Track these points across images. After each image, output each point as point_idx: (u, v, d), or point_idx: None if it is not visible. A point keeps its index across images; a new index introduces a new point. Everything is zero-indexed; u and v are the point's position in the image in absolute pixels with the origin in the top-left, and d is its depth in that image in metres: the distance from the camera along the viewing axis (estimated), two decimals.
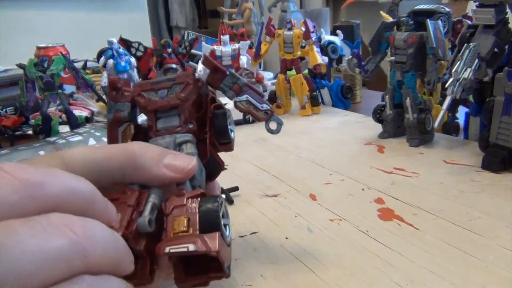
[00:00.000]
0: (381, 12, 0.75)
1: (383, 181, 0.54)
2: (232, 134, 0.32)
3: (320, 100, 0.93)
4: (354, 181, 0.55)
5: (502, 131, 0.54)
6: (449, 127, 0.73)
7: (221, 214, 0.24)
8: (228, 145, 0.32)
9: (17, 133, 0.89)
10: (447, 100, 0.56)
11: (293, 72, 0.92)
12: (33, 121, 0.86)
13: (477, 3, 0.55)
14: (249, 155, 0.67)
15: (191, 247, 0.22)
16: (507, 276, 0.34)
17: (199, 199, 0.25)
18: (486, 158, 0.55)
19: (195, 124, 0.30)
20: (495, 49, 0.55)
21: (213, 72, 0.32)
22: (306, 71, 0.97)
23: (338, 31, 1.00)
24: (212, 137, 0.31)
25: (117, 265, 0.19)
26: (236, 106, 0.33)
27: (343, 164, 0.61)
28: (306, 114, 0.90)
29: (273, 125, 0.34)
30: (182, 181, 0.25)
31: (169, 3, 3.56)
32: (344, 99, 0.97)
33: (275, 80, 0.96)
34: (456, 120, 0.74)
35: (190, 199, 0.25)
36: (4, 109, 0.94)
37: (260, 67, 1.25)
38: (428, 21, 0.62)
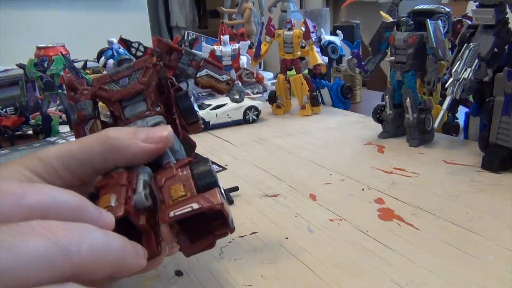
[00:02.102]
0: (381, 12, 0.75)
1: (383, 181, 0.54)
2: (198, 113, 0.32)
3: (320, 100, 0.93)
4: (354, 181, 0.55)
5: (502, 131, 0.54)
6: (449, 127, 0.73)
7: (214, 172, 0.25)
8: (196, 124, 0.33)
9: (17, 133, 0.89)
10: (447, 100, 0.56)
11: (293, 72, 0.92)
12: (33, 121, 0.86)
13: (477, 3, 0.55)
14: (249, 155, 0.67)
15: (195, 206, 0.23)
16: (507, 276, 0.34)
17: (187, 166, 0.25)
18: (486, 158, 0.55)
19: (162, 106, 0.30)
20: (495, 49, 0.54)
21: (168, 52, 0.32)
22: (306, 71, 0.97)
23: (338, 31, 1.00)
24: (180, 119, 0.31)
25: (117, 265, 0.19)
26: (197, 82, 0.33)
27: (343, 164, 0.61)
28: (306, 114, 0.90)
29: (236, 94, 0.35)
30: (163, 149, 0.25)
31: (169, 3, 3.56)
32: (344, 99, 0.96)
33: (275, 80, 0.96)
34: (456, 120, 0.74)
35: (179, 169, 0.25)
36: (4, 109, 0.94)
37: (260, 67, 1.26)
38: (428, 21, 0.62)
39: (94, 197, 0.24)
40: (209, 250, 0.40)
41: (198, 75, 0.33)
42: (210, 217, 0.24)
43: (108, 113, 0.31)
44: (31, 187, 0.19)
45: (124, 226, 0.22)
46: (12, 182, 0.18)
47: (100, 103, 0.31)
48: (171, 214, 0.23)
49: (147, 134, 0.25)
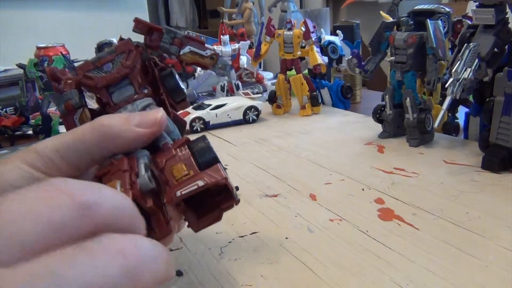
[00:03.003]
0: (381, 12, 0.75)
1: (383, 181, 0.54)
2: (184, 91, 0.32)
3: (320, 100, 0.93)
4: (354, 181, 0.55)
5: (502, 131, 0.54)
6: (449, 127, 0.73)
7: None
8: (184, 102, 0.33)
9: (17, 133, 0.89)
10: (447, 100, 0.56)
11: (293, 72, 0.92)
12: (33, 121, 0.86)
13: (477, 3, 0.55)
14: (249, 155, 0.67)
15: (200, 183, 0.23)
16: (507, 276, 0.34)
17: (185, 145, 0.25)
18: (486, 158, 0.55)
19: (149, 88, 0.30)
20: (495, 49, 0.54)
21: (149, 33, 0.32)
22: (306, 71, 0.97)
23: (338, 31, 1.00)
24: (168, 98, 0.31)
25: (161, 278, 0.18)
26: (181, 59, 0.33)
27: (343, 164, 0.61)
28: (306, 114, 0.90)
29: (221, 68, 0.35)
30: (158, 132, 0.25)
31: (169, 3, 3.55)
32: (344, 99, 0.96)
33: (275, 80, 0.96)
34: (456, 120, 0.74)
35: (178, 149, 0.25)
36: (4, 109, 0.94)
37: (260, 67, 1.26)
38: (428, 21, 0.62)
39: None
40: (209, 250, 0.40)
41: (181, 53, 0.33)
42: (214, 192, 0.25)
43: (94, 99, 0.30)
44: (101, 192, 0.18)
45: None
46: (84, 185, 0.18)
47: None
48: (178, 193, 0.23)
49: (140, 119, 0.25)
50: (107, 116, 0.25)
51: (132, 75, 0.29)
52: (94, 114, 0.30)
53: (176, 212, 0.25)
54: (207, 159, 0.25)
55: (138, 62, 0.29)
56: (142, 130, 0.25)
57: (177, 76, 0.31)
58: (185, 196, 0.23)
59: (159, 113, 0.25)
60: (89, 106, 0.31)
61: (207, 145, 0.25)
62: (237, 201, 0.26)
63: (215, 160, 0.25)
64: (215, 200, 0.26)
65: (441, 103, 0.69)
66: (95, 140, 0.24)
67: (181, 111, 0.34)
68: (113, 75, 0.29)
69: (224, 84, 1.03)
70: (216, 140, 0.76)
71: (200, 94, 1.13)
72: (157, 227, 0.24)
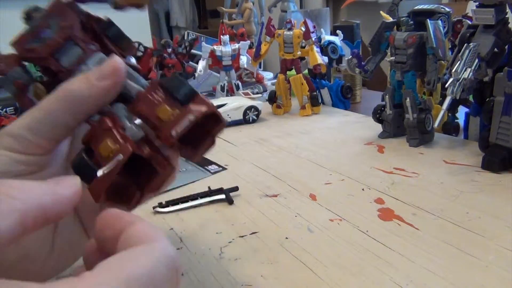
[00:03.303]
0: (381, 12, 0.75)
1: (383, 181, 0.54)
2: (128, 36, 0.31)
3: (320, 100, 0.93)
4: (354, 181, 0.55)
5: (502, 131, 0.54)
6: (449, 127, 0.73)
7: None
8: (130, 46, 0.31)
9: None
10: (447, 100, 0.56)
11: (293, 72, 0.92)
12: None
13: (477, 3, 0.55)
14: (249, 155, 0.67)
15: (191, 117, 0.24)
16: (507, 276, 0.34)
17: (158, 87, 0.25)
18: (486, 158, 0.55)
19: (96, 44, 0.29)
20: (495, 49, 0.54)
21: None
22: (306, 71, 0.97)
23: (338, 31, 1.00)
24: (115, 47, 0.30)
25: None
26: (116, 5, 0.32)
27: (343, 164, 0.61)
28: (306, 114, 0.90)
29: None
30: (121, 80, 0.25)
31: (169, 3, 3.55)
32: (344, 99, 0.97)
33: (275, 80, 0.96)
34: (456, 120, 0.74)
35: (153, 93, 0.25)
36: (4, 109, 0.94)
37: (260, 67, 1.26)
38: (428, 21, 0.62)
39: (88, 152, 0.24)
40: (209, 250, 0.40)
41: None
42: (202, 121, 0.25)
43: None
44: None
45: (126, 167, 0.23)
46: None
47: None
48: (173, 133, 0.23)
49: (99, 72, 0.24)
50: (67, 82, 0.24)
51: (74, 35, 0.27)
52: (49, 86, 0.28)
53: (173, 151, 0.26)
54: (185, 93, 0.24)
55: (75, 20, 0.28)
56: (105, 82, 0.24)
57: (116, 24, 0.30)
58: (180, 133, 0.23)
59: (116, 60, 0.25)
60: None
61: (179, 80, 0.25)
62: (225, 123, 0.26)
63: (193, 92, 0.24)
64: (204, 128, 0.26)
65: (441, 103, 0.69)
66: (64, 108, 0.24)
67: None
68: (55, 40, 0.27)
69: (224, 84, 1.03)
70: (216, 140, 0.76)
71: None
72: (161, 169, 0.24)
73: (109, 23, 0.30)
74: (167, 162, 0.25)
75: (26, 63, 0.29)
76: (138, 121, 0.26)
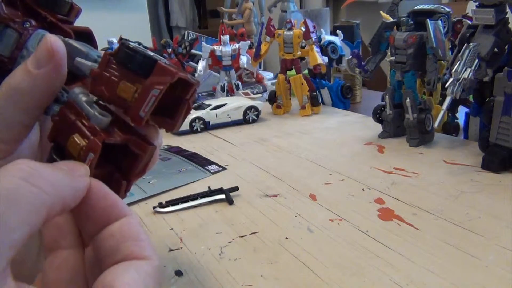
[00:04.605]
0: (381, 12, 0.75)
1: (383, 181, 0.54)
2: None
3: (320, 100, 0.93)
4: (354, 181, 0.55)
5: (502, 131, 0.54)
6: (449, 127, 0.73)
7: (141, 47, 0.22)
8: (73, 9, 0.28)
9: None
10: (447, 100, 0.56)
11: (293, 72, 0.92)
12: None
13: (477, 3, 0.55)
14: (249, 155, 0.67)
15: (156, 92, 0.21)
16: (507, 276, 0.34)
17: (111, 59, 0.22)
18: (486, 158, 0.55)
19: (31, 20, 0.25)
20: (495, 49, 0.54)
21: None
22: (306, 71, 0.97)
23: (338, 31, 1.01)
24: (54, 16, 0.26)
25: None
26: None
27: (343, 164, 0.61)
28: (306, 114, 0.90)
29: None
30: (62, 60, 0.22)
31: (169, 3, 3.56)
32: (344, 99, 0.97)
33: (275, 80, 0.96)
34: (456, 120, 0.74)
35: (107, 69, 0.22)
36: None
37: (260, 67, 1.26)
38: (428, 21, 0.62)
39: (58, 150, 0.22)
40: (209, 250, 0.40)
41: None
42: (170, 88, 0.22)
43: None
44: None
45: (105, 156, 0.21)
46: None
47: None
48: (142, 113, 0.21)
49: (35, 58, 0.22)
50: (8, 76, 0.22)
51: (1, 16, 0.24)
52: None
53: (149, 128, 0.24)
54: (142, 63, 0.21)
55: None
56: (44, 69, 0.21)
57: None
58: (149, 112, 0.21)
59: (48, 40, 0.22)
60: None
61: (133, 49, 0.21)
62: (197, 83, 0.23)
63: (151, 60, 0.21)
64: (175, 94, 0.23)
65: (441, 103, 0.69)
66: (11, 105, 0.22)
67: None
68: None
69: (224, 84, 1.03)
70: (216, 140, 0.76)
71: (200, 94, 1.13)
72: (141, 151, 0.22)
73: None
74: (146, 142, 0.22)
75: None
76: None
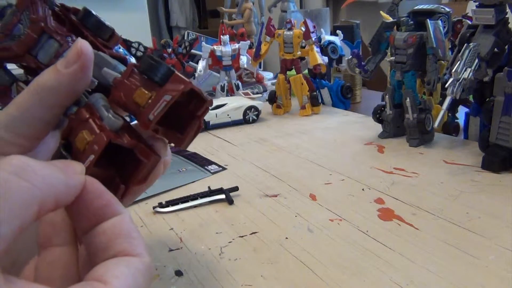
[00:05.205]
0: (381, 12, 0.75)
1: (383, 181, 0.54)
2: (107, 23, 0.29)
3: (320, 100, 0.93)
4: (354, 181, 0.55)
5: (502, 131, 0.54)
6: (449, 127, 0.73)
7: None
8: (114, 36, 0.30)
9: None
10: (447, 100, 0.56)
11: (293, 72, 0.92)
12: None
13: (477, 3, 0.55)
14: (249, 155, 0.67)
15: (167, 97, 0.22)
16: (507, 276, 0.34)
17: (134, 70, 0.23)
18: (486, 158, 0.55)
19: (73, 36, 0.27)
20: (495, 49, 0.54)
21: None
22: (306, 71, 0.97)
23: (338, 31, 1.01)
24: (96, 38, 0.29)
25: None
26: None
27: (343, 164, 0.61)
28: (306, 114, 0.90)
29: None
30: (88, 62, 0.23)
31: (169, 3, 3.56)
32: (344, 99, 0.97)
33: (275, 80, 0.96)
34: (456, 120, 0.74)
35: (129, 78, 0.23)
36: None
37: (260, 67, 1.26)
38: (428, 21, 0.62)
39: (67, 146, 0.23)
40: (209, 250, 0.40)
41: None
42: (185, 103, 0.23)
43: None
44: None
45: (110, 160, 0.22)
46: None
47: None
48: (151, 116, 0.22)
49: (65, 59, 0.23)
50: (36, 77, 0.23)
51: (47, 27, 0.26)
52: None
53: (158, 139, 0.24)
54: (161, 73, 0.23)
55: (47, 12, 0.26)
56: (72, 68, 0.23)
57: (94, 13, 0.29)
58: (158, 116, 0.22)
59: (79, 43, 0.23)
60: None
61: (154, 60, 0.23)
62: (210, 101, 0.24)
63: (170, 71, 0.23)
64: (189, 110, 0.24)
65: (441, 103, 0.69)
66: (37, 102, 0.23)
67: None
68: (29, 36, 0.26)
69: (224, 84, 1.03)
70: (216, 140, 0.76)
71: None
72: (144, 158, 0.23)
73: (86, 13, 0.28)
74: (152, 151, 0.23)
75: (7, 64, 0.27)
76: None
